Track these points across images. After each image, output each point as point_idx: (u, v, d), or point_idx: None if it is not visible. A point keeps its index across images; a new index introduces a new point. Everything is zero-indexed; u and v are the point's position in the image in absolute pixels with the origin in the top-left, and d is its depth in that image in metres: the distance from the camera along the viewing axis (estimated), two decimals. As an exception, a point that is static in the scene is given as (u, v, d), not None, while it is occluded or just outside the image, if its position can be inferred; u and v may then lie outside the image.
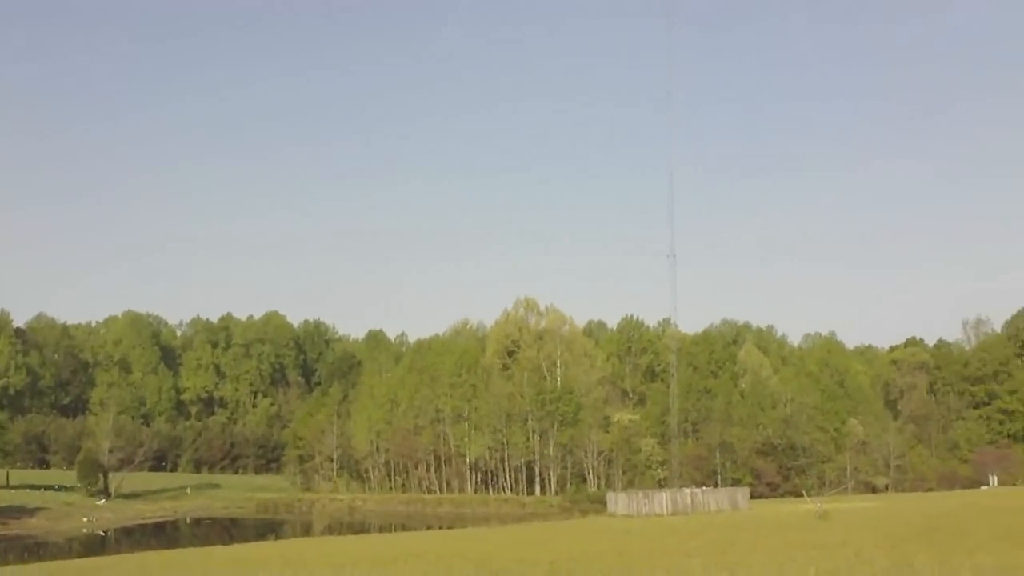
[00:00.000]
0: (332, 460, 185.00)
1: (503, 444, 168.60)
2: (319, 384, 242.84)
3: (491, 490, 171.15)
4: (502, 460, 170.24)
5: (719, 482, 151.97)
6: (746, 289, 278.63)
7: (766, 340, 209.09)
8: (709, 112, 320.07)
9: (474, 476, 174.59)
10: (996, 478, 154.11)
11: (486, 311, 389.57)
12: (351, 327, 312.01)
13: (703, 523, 67.61)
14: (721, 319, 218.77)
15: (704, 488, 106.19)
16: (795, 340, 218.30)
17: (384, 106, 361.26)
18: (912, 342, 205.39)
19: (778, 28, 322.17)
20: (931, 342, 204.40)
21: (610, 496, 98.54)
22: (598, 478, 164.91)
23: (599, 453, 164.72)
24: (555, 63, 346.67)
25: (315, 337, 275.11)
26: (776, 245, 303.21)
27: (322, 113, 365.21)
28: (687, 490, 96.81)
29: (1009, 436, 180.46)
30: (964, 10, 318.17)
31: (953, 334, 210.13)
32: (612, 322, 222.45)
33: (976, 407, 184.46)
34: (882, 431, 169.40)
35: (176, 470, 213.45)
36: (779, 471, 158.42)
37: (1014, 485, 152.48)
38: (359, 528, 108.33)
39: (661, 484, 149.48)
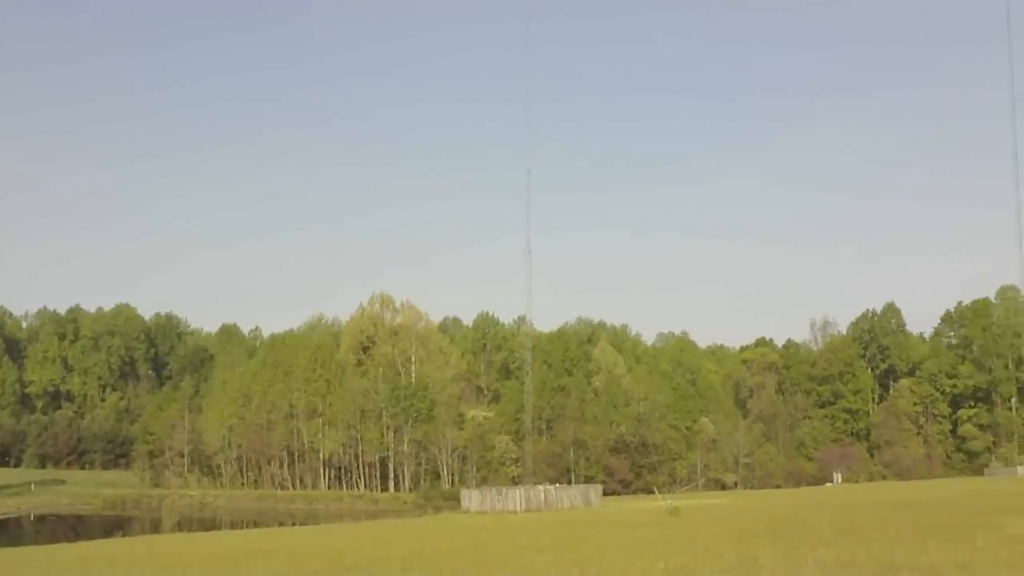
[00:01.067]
0: (183, 456, 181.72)
1: (357, 440, 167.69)
2: (170, 378, 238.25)
3: (345, 487, 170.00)
4: (356, 456, 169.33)
5: (573, 479, 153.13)
6: (601, 288, 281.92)
7: (620, 339, 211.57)
8: (567, 109, 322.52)
9: (328, 472, 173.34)
10: (840, 475, 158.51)
11: (341, 306, 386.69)
12: (204, 321, 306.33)
13: (556, 520, 67.90)
14: (576, 317, 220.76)
15: (557, 485, 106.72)
16: (649, 339, 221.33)
17: (242, 101, 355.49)
18: (762, 342, 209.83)
19: (634, 25, 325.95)
20: (780, 342, 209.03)
21: (464, 493, 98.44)
22: (452, 475, 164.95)
23: (453, 450, 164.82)
24: (412, 63, 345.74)
25: (167, 330, 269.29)
26: (632, 244, 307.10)
27: (177, 100, 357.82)
28: (541, 487, 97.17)
29: (852, 434, 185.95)
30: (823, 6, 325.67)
31: (801, 335, 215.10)
32: (468, 319, 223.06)
33: (822, 406, 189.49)
34: (732, 429, 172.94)
35: (20, 466, 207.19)
36: (632, 468, 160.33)
37: (857, 482, 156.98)
38: (210, 525, 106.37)
39: (515, 481, 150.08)
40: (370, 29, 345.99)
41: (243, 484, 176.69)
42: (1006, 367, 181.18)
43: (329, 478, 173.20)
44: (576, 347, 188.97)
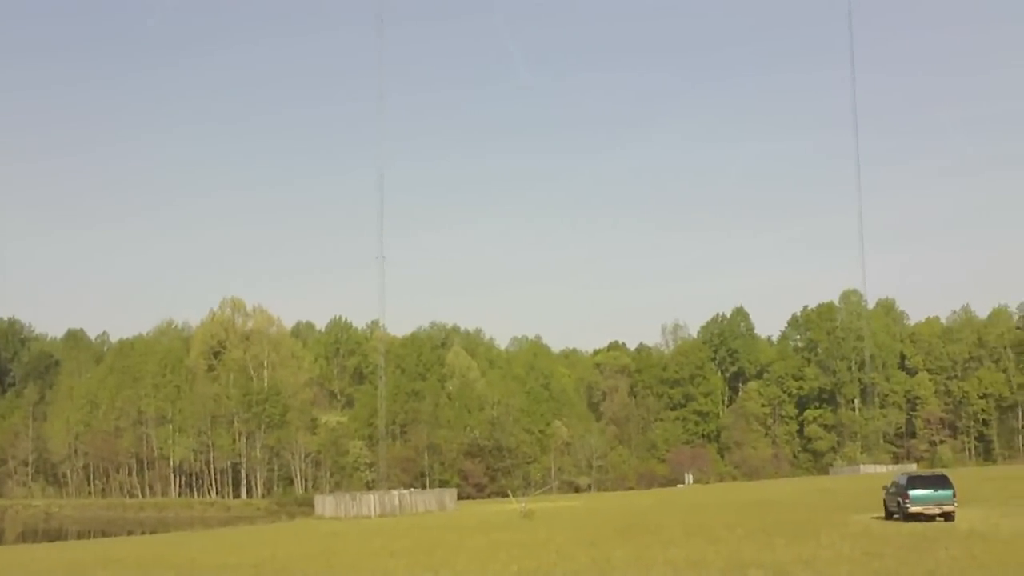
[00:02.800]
0: (27, 464, 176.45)
1: (208, 446, 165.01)
2: (13, 385, 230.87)
3: (196, 493, 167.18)
4: (207, 463, 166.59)
5: (427, 484, 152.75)
6: (455, 292, 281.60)
7: (474, 343, 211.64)
8: (421, 113, 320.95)
9: (178, 479, 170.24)
10: (691, 476, 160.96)
11: (191, 311, 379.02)
12: (49, 326, 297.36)
13: (410, 525, 67.69)
14: (430, 322, 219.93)
15: (412, 490, 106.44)
16: (503, 343, 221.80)
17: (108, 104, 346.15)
18: (614, 346, 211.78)
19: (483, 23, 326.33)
20: (633, 346, 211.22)
21: (317, 499, 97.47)
22: (306, 480, 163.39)
23: (307, 455, 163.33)
24: (268, 67, 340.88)
25: (9, 336, 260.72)
26: (485, 248, 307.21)
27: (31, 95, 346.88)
28: (395, 492, 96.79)
29: (703, 436, 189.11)
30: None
31: (653, 338, 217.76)
32: (321, 324, 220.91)
33: (673, 408, 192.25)
34: (585, 432, 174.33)
35: None
36: (486, 472, 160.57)
37: (707, 483, 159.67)
38: (55, 535, 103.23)
39: (369, 486, 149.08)
40: (213, 33, 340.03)
41: (90, 493, 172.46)
42: (849, 369, 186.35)
43: (180, 485, 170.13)
44: (430, 351, 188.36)
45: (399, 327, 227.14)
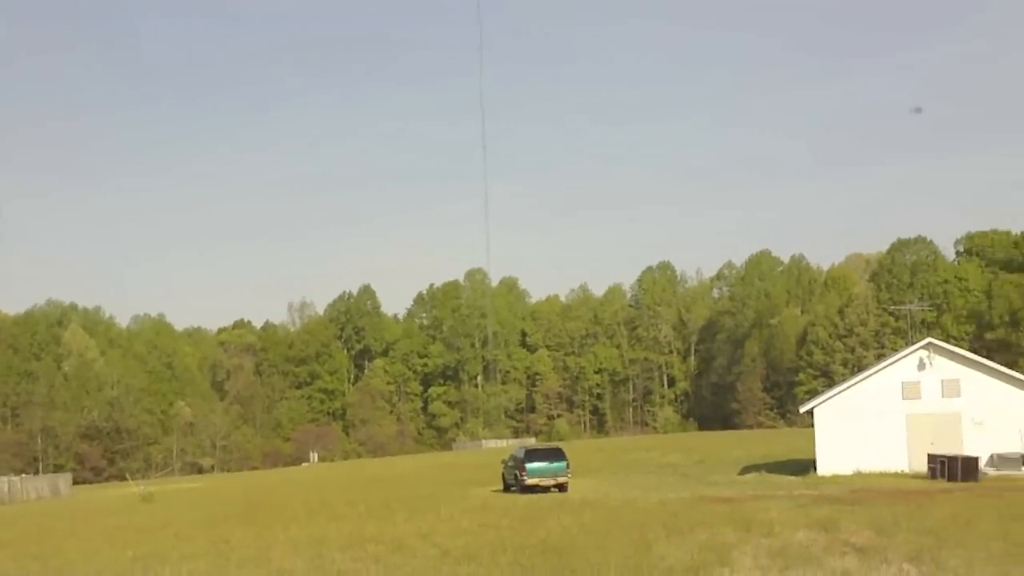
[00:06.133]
0: None
1: None
2: None
3: None
4: None
5: (41, 469, 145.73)
6: (73, 269, 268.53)
7: (93, 321, 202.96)
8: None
9: None
10: (316, 455, 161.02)
11: None
12: None
13: (19, 513, 64.43)
14: (46, 299, 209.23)
15: (23, 476, 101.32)
16: (124, 322, 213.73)
17: None
18: (240, 324, 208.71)
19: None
20: (259, 324, 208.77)
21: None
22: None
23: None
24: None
25: None
26: (105, 224, 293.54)
27: None
28: (4, 479, 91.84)
29: (329, 414, 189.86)
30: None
31: (279, 316, 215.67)
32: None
33: (299, 387, 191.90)
34: (209, 412, 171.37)
35: None
36: (104, 455, 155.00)
37: (333, 461, 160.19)
38: None
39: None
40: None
41: None
42: (473, 346, 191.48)
43: None
44: (45, 330, 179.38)
45: (11, 305, 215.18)
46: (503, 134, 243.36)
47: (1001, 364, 60.09)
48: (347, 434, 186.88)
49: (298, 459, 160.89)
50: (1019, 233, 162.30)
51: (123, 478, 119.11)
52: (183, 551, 29.14)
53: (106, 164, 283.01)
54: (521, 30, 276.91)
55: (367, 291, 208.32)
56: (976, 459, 47.28)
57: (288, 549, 27.75)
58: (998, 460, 49.87)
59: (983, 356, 64.47)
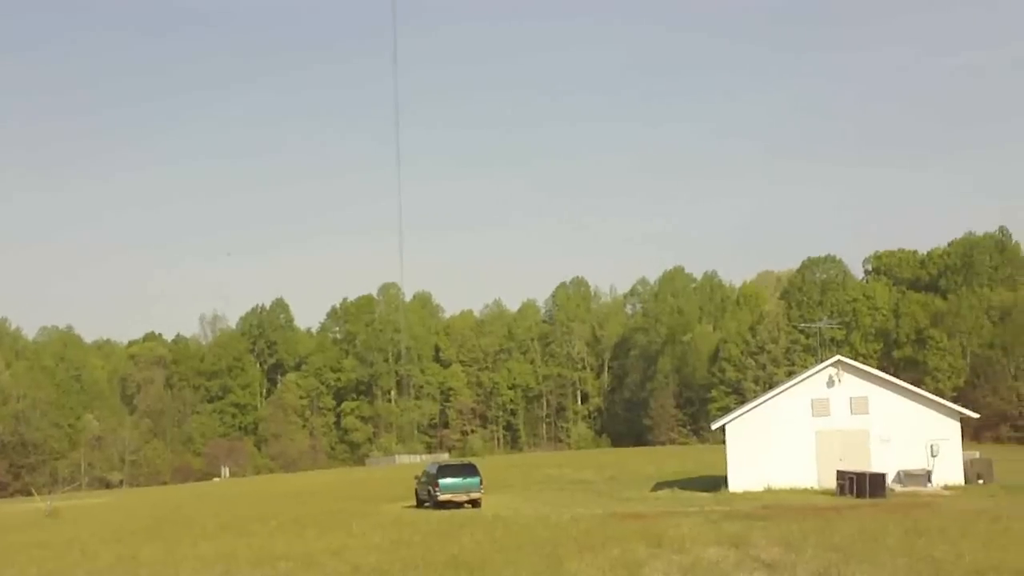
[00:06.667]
0: None
1: None
2: None
3: None
4: None
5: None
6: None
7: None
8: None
9: None
10: (228, 470, 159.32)
11: None
12: None
13: (-81, 528, 62.89)
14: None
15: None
16: (31, 334, 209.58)
17: None
18: (151, 336, 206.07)
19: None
20: (170, 337, 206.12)
21: None
22: None
23: None
24: None
25: None
26: (14, 232, 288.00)
27: None
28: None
29: (241, 429, 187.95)
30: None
31: (191, 329, 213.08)
32: None
33: (211, 401, 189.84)
34: (118, 426, 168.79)
35: None
36: (9, 470, 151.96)
37: (244, 476, 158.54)
38: None
39: None
40: None
41: None
42: (386, 361, 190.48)
43: None
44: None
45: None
46: (417, 146, 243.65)
47: (908, 382, 61.30)
48: (259, 449, 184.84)
49: (209, 474, 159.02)
50: (925, 253, 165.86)
51: (29, 493, 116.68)
52: (89, 568, 28.72)
53: (9, 176, 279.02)
54: (434, 33, 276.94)
55: (280, 304, 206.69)
56: (883, 475, 47.97)
57: (197, 565, 27.45)
58: (904, 476, 50.74)
59: (891, 374, 65.56)
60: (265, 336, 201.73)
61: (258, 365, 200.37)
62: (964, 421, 55.17)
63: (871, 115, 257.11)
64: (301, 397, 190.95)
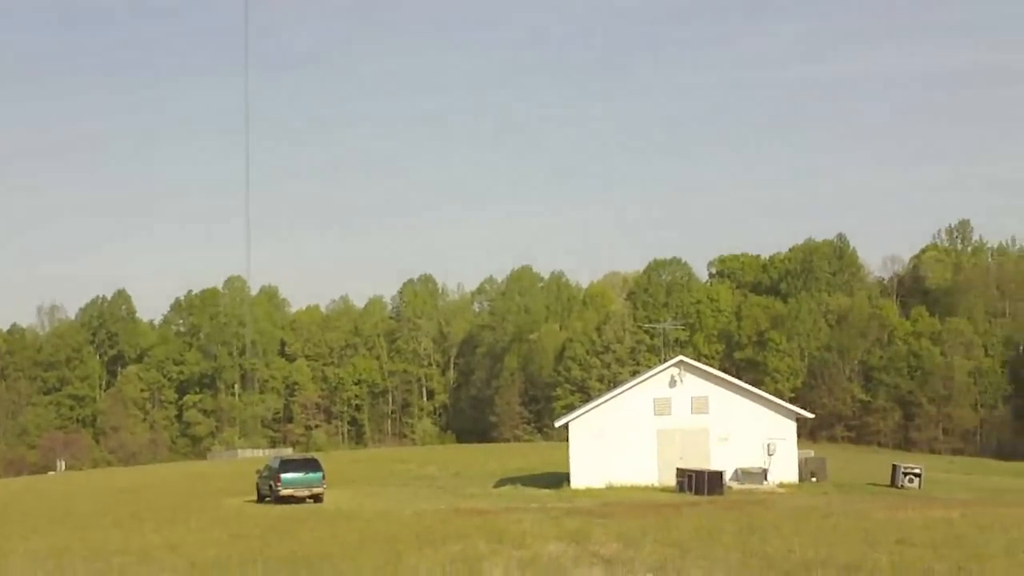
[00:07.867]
0: None
1: None
2: None
3: None
4: None
5: None
6: None
7: None
8: None
9: None
10: (64, 463, 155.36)
11: None
12: None
13: None
14: None
15: None
16: None
17: None
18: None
19: None
20: (5, 327, 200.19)
21: None
22: None
23: None
24: None
25: None
26: None
27: None
28: None
29: (78, 421, 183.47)
30: None
31: (28, 320, 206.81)
32: None
33: (47, 393, 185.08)
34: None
35: None
36: None
37: (81, 469, 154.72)
38: None
39: None
40: None
41: None
42: (230, 354, 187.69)
43: None
44: None
45: None
46: (268, 140, 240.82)
47: (748, 382, 62.88)
48: (97, 442, 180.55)
49: (44, 467, 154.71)
50: (767, 257, 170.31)
51: None
52: (-90, 563, 27.69)
53: None
54: (285, 35, 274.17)
55: (122, 295, 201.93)
56: (721, 473, 49.13)
57: (26, 560, 26.69)
58: (742, 474, 52.01)
59: (732, 374, 67.12)
60: (106, 327, 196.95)
61: (98, 357, 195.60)
62: (800, 421, 56.90)
63: (720, 121, 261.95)
64: (142, 390, 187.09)
